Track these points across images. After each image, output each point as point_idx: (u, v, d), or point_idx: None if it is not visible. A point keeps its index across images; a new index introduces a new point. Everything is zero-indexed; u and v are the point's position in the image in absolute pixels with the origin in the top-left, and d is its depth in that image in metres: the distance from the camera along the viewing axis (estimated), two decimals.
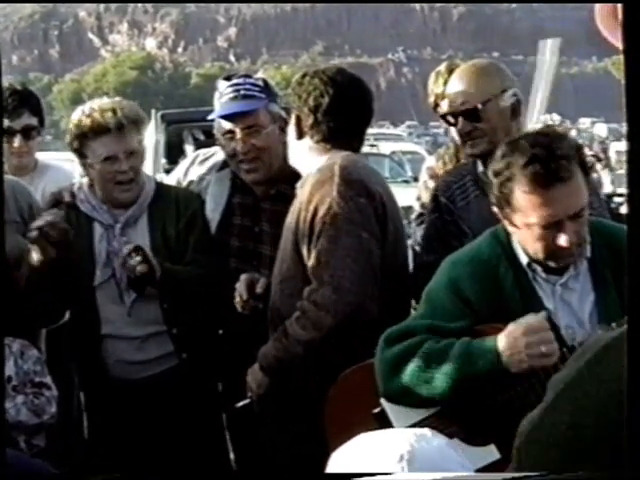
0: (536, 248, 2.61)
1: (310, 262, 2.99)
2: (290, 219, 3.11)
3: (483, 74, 3.37)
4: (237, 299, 3.35)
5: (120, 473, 3.44)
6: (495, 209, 2.67)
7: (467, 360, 2.54)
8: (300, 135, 3.17)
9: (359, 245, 2.98)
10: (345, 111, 3.14)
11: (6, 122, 4.09)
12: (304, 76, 3.20)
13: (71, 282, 3.56)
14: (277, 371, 3.08)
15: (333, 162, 3.06)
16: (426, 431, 1.92)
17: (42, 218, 3.41)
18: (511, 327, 2.52)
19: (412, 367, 2.60)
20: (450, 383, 2.55)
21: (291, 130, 3.22)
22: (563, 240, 2.56)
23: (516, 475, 0.89)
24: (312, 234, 2.99)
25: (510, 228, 2.66)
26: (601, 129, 52.92)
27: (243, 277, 3.37)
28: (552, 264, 2.64)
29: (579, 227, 2.59)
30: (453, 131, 3.45)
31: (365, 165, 3.28)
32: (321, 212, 2.98)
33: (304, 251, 3.03)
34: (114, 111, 3.59)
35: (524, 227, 2.59)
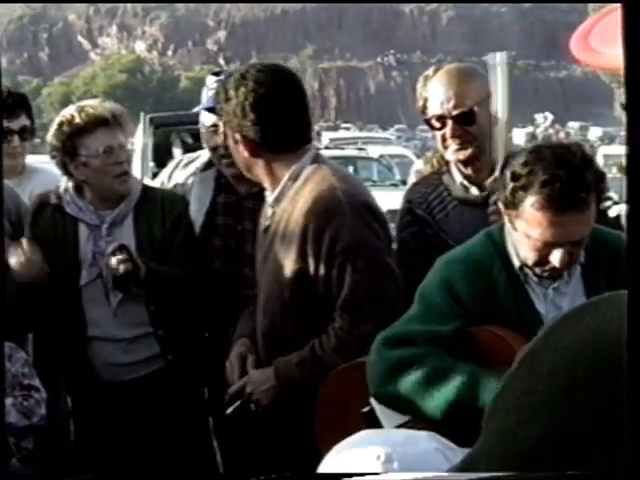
0: (528, 256, 2.59)
1: (342, 294, 2.94)
2: (285, 245, 3.02)
3: (472, 77, 3.32)
4: (227, 373, 3.26)
5: (105, 475, 3.44)
6: (500, 205, 2.64)
7: (469, 389, 2.52)
8: (254, 152, 3.06)
9: (388, 271, 3.00)
10: (288, 108, 3.04)
11: (4, 122, 4.11)
12: (226, 91, 3.04)
13: (56, 289, 3.57)
14: (300, 393, 3.01)
15: (330, 185, 2.97)
16: (422, 434, 1.91)
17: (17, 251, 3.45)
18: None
19: (411, 380, 2.58)
20: (447, 408, 2.53)
21: (238, 148, 3.09)
22: (556, 260, 2.54)
23: (512, 474, 0.95)
24: (332, 264, 2.93)
25: (509, 227, 2.65)
26: (595, 132, 53.11)
27: (235, 353, 3.26)
28: (538, 271, 2.64)
29: (576, 250, 2.58)
30: (437, 135, 3.31)
31: (355, 178, 3.24)
32: (342, 243, 2.92)
33: (318, 278, 2.96)
34: (103, 106, 3.63)
35: (523, 234, 2.57)
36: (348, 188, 3.01)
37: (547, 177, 2.47)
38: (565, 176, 2.46)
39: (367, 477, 1.61)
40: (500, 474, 0.87)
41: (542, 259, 2.58)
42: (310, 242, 2.94)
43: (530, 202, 2.50)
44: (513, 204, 2.55)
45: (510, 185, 2.55)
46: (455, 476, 1.06)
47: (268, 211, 3.16)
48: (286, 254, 3.00)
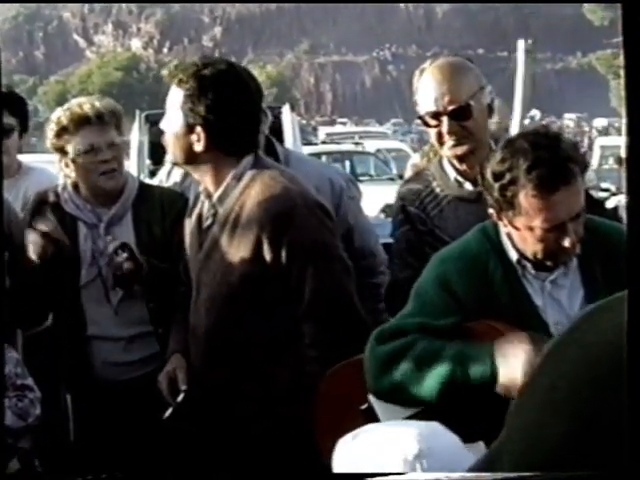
0: (536, 249, 2.60)
1: (305, 297, 2.97)
2: (235, 245, 3.02)
3: (463, 71, 3.30)
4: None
5: (107, 475, 3.43)
6: (491, 210, 2.66)
7: (460, 365, 2.53)
8: (206, 148, 3.04)
9: (344, 267, 3.07)
10: (243, 116, 3.07)
11: None
12: (201, 86, 3.03)
13: (56, 285, 3.56)
14: None
15: (283, 187, 3.00)
16: (436, 426, 1.90)
17: (43, 224, 3.44)
18: (511, 341, 2.51)
19: (403, 367, 2.60)
20: (441, 387, 2.55)
21: (189, 139, 3.06)
22: (566, 242, 2.56)
23: (516, 475, 1.02)
24: (292, 266, 2.96)
25: (507, 229, 2.64)
26: (600, 123, 53.12)
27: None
28: (549, 263, 2.64)
29: (578, 226, 2.59)
30: (432, 132, 3.30)
31: (300, 177, 3.25)
32: (301, 246, 2.96)
33: (277, 279, 2.98)
34: (92, 103, 3.63)
35: (526, 229, 2.58)
36: (300, 189, 3.06)
37: (530, 163, 2.50)
38: (547, 156, 2.51)
39: (394, 477, 1.61)
40: (525, 474, 0.87)
41: (551, 248, 2.58)
42: (267, 245, 2.96)
43: (523, 194, 2.52)
44: (507, 203, 2.56)
45: (496, 185, 2.56)
46: (481, 476, 1.07)
47: (208, 209, 3.17)
48: (236, 254, 3.02)
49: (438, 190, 3.34)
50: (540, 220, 2.54)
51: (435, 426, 1.93)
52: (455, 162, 3.30)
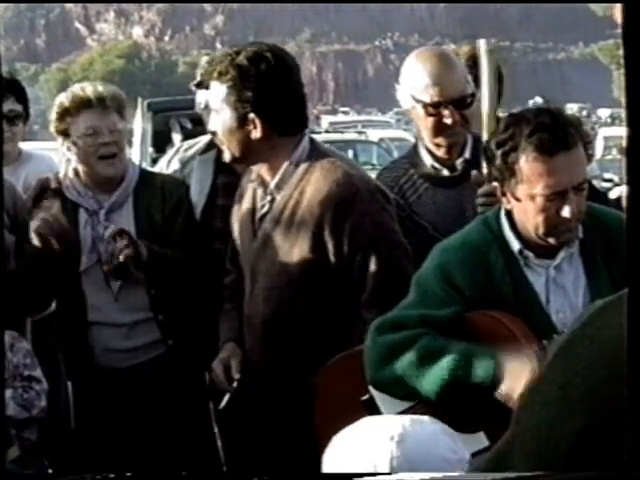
0: (537, 222, 2.59)
1: (368, 284, 2.96)
2: (294, 233, 3.00)
3: (456, 61, 3.34)
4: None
5: (109, 472, 3.43)
6: (495, 184, 2.66)
7: (463, 365, 2.53)
8: (263, 133, 3.01)
9: (405, 252, 3.03)
10: (289, 92, 3.05)
11: None
12: (241, 69, 2.98)
13: (58, 270, 3.56)
14: None
15: (344, 172, 2.98)
16: (424, 418, 1.92)
17: (45, 211, 3.44)
18: (519, 355, 2.49)
19: (405, 361, 2.58)
20: (441, 385, 2.54)
21: (245, 129, 3.03)
22: (567, 211, 2.55)
23: (512, 475, 0.90)
24: (355, 253, 2.95)
25: (511, 205, 2.63)
26: (603, 113, 53.22)
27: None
28: (552, 240, 2.62)
29: (580, 200, 2.58)
30: (427, 122, 3.27)
31: (356, 162, 3.23)
32: (364, 233, 2.94)
33: (338, 267, 2.97)
34: (94, 87, 3.65)
35: (527, 199, 2.57)
36: (361, 174, 3.05)
37: (532, 127, 2.52)
38: (548, 121, 2.53)
39: (385, 477, 1.61)
40: (527, 474, 0.86)
41: (552, 220, 2.57)
42: (328, 231, 2.94)
43: (524, 158, 2.53)
44: (508, 170, 2.57)
45: (499, 152, 2.58)
46: (476, 476, 1.06)
47: (264, 197, 3.13)
48: (296, 242, 3.00)
49: (415, 177, 3.36)
50: (541, 186, 2.53)
51: (421, 417, 1.95)
52: (438, 151, 3.32)
